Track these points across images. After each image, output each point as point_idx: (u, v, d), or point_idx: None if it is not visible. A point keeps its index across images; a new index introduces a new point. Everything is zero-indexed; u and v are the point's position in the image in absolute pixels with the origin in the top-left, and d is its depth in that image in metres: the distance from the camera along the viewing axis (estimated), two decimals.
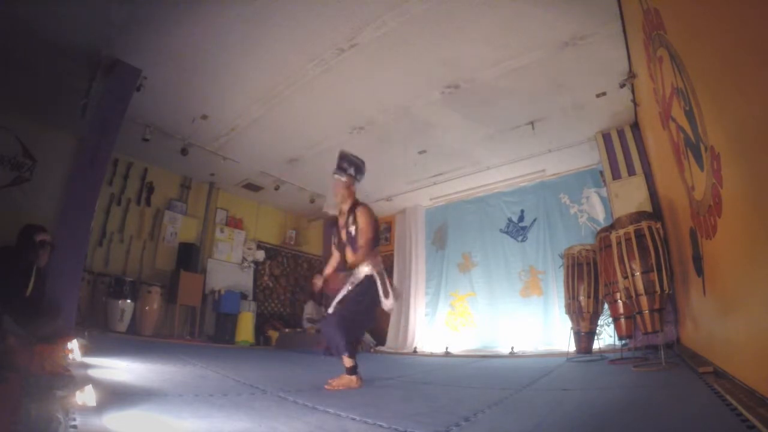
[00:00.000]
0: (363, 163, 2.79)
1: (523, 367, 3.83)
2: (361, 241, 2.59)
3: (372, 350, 6.59)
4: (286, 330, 6.73)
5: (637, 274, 3.01)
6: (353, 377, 2.43)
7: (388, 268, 2.78)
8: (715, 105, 1.49)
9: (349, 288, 2.59)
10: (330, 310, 2.59)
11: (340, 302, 2.58)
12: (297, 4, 3.29)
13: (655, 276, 2.94)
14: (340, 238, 2.74)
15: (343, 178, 2.71)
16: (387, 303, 2.61)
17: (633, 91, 4.09)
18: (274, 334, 6.85)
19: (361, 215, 2.62)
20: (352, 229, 2.63)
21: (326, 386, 2.35)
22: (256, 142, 5.60)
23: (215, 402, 1.80)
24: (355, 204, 2.71)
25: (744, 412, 1.31)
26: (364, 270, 2.62)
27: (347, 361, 2.45)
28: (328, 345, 2.60)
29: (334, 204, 2.77)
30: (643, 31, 2.63)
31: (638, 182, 4.55)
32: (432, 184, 6.80)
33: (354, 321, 2.55)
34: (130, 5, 3.25)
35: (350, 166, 2.73)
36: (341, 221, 2.73)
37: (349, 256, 2.69)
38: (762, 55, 1.02)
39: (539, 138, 5.18)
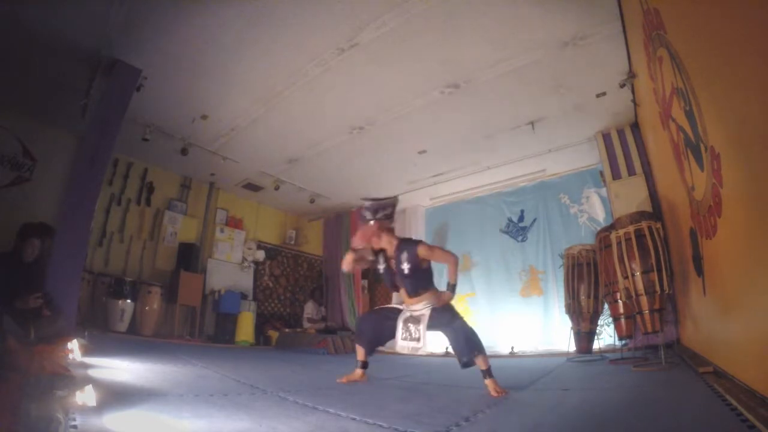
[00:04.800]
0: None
1: (523, 367, 3.83)
2: (449, 263, 2.47)
3: None
4: (286, 330, 6.72)
5: (637, 274, 3.02)
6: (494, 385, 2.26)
7: None
8: (715, 105, 1.49)
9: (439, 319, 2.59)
10: (447, 328, 2.59)
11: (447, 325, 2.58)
12: (297, 3, 3.29)
13: (655, 276, 2.94)
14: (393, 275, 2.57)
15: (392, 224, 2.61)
16: None
17: (633, 91, 4.09)
18: (274, 334, 6.85)
19: (423, 248, 2.46)
20: (405, 266, 2.47)
21: (495, 394, 2.16)
22: (256, 142, 5.60)
23: (215, 402, 1.80)
24: (402, 241, 2.55)
25: (744, 412, 1.31)
26: (423, 307, 2.57)
27: (485, 362, 2.36)
28: (464, 351, 2.50)
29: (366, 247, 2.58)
30: (643, 31, 2.63)
31: (638, 182, 4.54)
32: (432, 184, 6.80)
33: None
34: (130, 5, 3.25)
35: (391, 207, 2.60)
36: (391, 261, 2.56)
37: (406, 297, 2.58)
38: (762, 55, 1.02)
39: (539, 138, 5.18)
